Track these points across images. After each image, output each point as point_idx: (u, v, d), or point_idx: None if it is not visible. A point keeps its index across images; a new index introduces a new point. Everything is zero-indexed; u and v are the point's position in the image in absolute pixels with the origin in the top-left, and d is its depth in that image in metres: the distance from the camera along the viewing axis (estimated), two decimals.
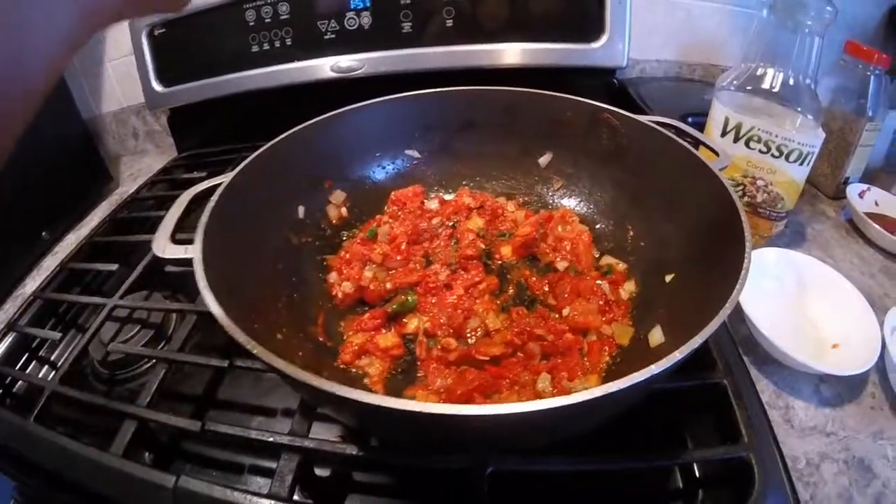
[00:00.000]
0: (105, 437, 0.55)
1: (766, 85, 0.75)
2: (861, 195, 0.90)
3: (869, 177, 0.96)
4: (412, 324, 0.62)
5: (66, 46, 0.29)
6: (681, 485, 0.52)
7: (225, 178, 0.60)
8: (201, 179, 0.64)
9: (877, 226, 0.83)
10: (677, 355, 0.38)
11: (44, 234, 0.94)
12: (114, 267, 0.81)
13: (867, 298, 0.68)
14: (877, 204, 0.90)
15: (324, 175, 0.76)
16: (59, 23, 0.28)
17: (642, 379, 0.36)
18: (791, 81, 0.74)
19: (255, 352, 0.39)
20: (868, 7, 1.00)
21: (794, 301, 0.71)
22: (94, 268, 0.83)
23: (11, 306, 0.82)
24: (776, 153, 0.75)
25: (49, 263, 0.90)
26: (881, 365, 0.63)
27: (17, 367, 0.72)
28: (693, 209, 0.61)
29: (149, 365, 0.68)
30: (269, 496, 0.48)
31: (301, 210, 0.73)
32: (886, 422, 0.60)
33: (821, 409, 0.61)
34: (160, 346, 0.69)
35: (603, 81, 1.04)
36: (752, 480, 0.48)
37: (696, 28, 1.10)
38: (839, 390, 0.63)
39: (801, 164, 0.75)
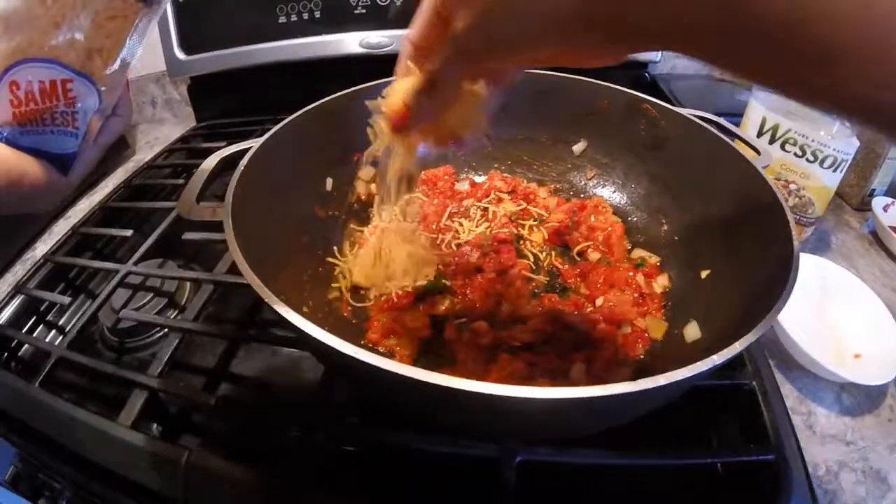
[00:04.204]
0: (112, 407, 0.54)
1: None
2: (885, 209, 0.90)
3: (894, 191, 0.95)
4: (442, 305, 0.61)
5: None
6: (704, 484, 0.52)
7: (254, 143, 0.58)
8: (220, 149, 0.62)
9: None
10: (726, 355, 0.36)
11: None
12: (128, 233, 0.79)
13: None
14: None
15: (353, 148, 0.75)
16: None
17: (688, 376, 0.35)
18: None
19: (293, 320, 0.37)
20: None
21: (819, 308, 0.70)
22: (108, 233, 0.82)
23: (21, 269, 0.80)
24: (811, 158, 0.74)
25: (61, 227, 0.89)
26: None
27: (24, 330, 0.70)
28: (732, 207, 0.59)
29: (161, 334, 0.67)
30: (285, 476, 0.47)
31: (329, 182, 0.72)
32: None
33: (841, 418, 0.60)
34: (173, 316, 0.68)
35: (634, 75, 1.03)
36: (778, 484, 0.47)
37: None
38: (859, 400, 0.62)
39: (835, 170, 0.74)
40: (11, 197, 0.34)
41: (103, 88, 0.37)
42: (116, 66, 0.38)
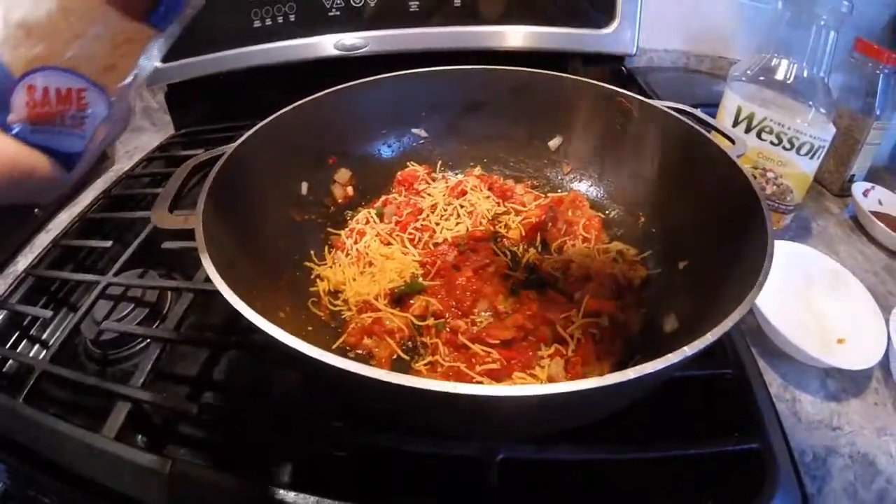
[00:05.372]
0: (97, 419, 0.54)
1: (779, 77, 0.75)
2: (865, 193, 0.90)
3: (874, 175, 0.96)
4: (419, 305, 0.61)
5: None
6: (689, 476, 0.52)
7: (227, 149, 0.58)
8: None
9: (881, 224, 0.83)
10: (697, 346, 0.36)
11: (36, 210, 0.91)
12: (108, 244, 0.79)
13: None
14: (881, 203, 0.90)
15: (328, 151, 0.75)
16: None
17: (658, 369, 0.34)
18: (804, 74, 0.73)
19: (265, 328, 0.37)
20: (877, 7, 0.99)
21: (801, 295, 0.71)
22: (88, 245, 0.81)
23: (2, 284, 0.79)
24: (787, 145, 0.74)
25: (42, 240, 0.88)
26: (884, 362, 0.62)
27: (7, 345, 0.69)
28: (708, 197, 0.60)
29: (143, 345, 0.66)
30: (270, 483, 0.47)
31: (304, 186, 0.72)
32: (889, 418, 0.60)
33: (827, 404, 0.61)
34: (155, 326, 0.68)
35: (611, 69, 1.03)
36: (763, 473, 0.47)
37: (705, 18, 1.09)
38: (844, 385, 0.62)
39: (812, 157, 0.74)
40: (20, 190, 0.36)
41: (113, 99, 0.39)
42: (128, 80, 0.40)
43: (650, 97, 0.94)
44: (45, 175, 0.37)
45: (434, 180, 0.81)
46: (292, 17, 0.97)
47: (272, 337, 0.36)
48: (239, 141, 0.60)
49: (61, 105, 0.37)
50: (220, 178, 0.54)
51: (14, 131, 0.35)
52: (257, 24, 0.98)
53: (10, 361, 0.67)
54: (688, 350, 0.35)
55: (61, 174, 0.39)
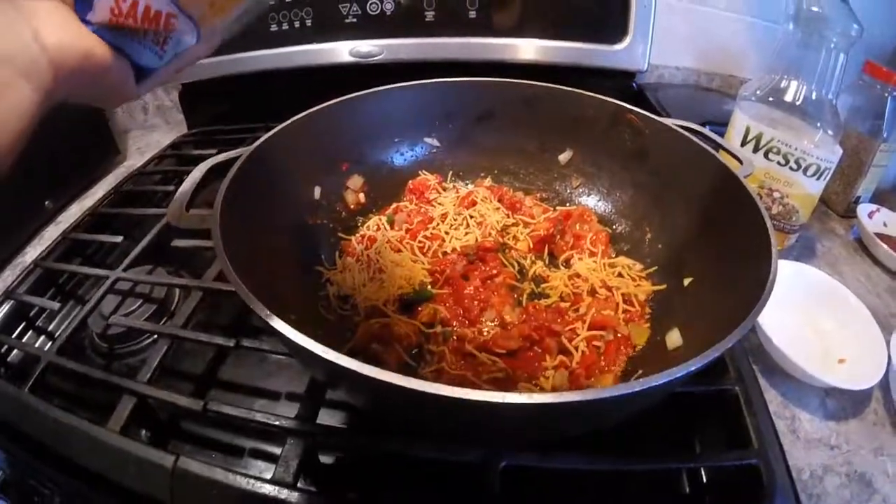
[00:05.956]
0: (102, 413, 0.54)
1: (788, 98, 0.75)
2: (871, 215, 0.91)
3: (879, 197, 0.96)
4: (427, 312, 0.61)
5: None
6: (687, 489, 0.52)
7: (244, 152, 0.59)
8: (210, 157, 0.63)
9: (885, 246, 0.83)
10: (699, 361, 0.37)
11: (47, 203, 0.92)
12: (118, 239, 0.79)
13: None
14: (885, 225, 0.91)
15: (341, 157, 0.76)
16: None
17: (662, 382, 0.35)
18: (813, 96, 0.74)
19: (277, 326, 0.38)
20: (886, 29, 1.00)
21: (803, 314, 0.71)
22: (98, 239, 0.81)
23: (10, 274, 0.80)
24: (794, 166, 0.75)
25: (51, 233, 0.88)
26: (884, 382, 0.63)
27: (14, 335, 0.70)
28: (714, 215, 0.60)
29: (150, 341, 0.67)
30: (272, 482, 0.47)
31: (317, 191, 0.73)
32: (888, 438, 0.60)
33: (825, 423, 0.61)
34: (163, 322, 0.68)
35: (621, 84, 1.03)
36: (761, 489, 0.47)
37: (716, 37, 1.10)
38: (843, 405, 0.63)
39: (818, 178, 0.75)
40: (91, 85, 0.35)
41: (204, 31, 0.37)
42: (224, 20, 0.38)
43: (660, 114, 0.94)
44: (117, 76, 0.35)
45: (445, 190, 0.82)
46: (309, 23, 0.98)
47: (290, 339, 0.37)
48: (257, 143, 0.61)
49: (146, 24, 0.35)
50: (236, 180, 0.54)
51: (93, 29, 0.33)
52: (274, 28, 0.99)
53: (16, 351, 0.67)
54: (690, 365, 0.36)
55: (131, 85, 0.37)
